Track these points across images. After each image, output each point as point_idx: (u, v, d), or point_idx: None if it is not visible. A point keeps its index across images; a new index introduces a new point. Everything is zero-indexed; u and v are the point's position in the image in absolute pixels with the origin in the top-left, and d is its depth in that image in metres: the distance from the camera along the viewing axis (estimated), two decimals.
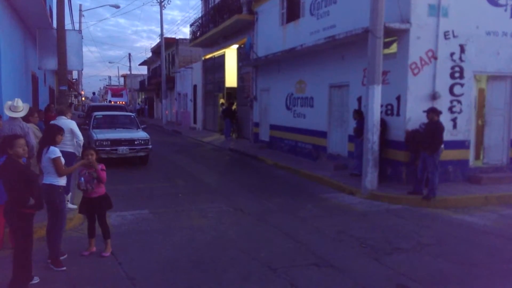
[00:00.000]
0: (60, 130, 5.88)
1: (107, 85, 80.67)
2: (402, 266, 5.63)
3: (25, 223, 4.81)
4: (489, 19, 10.43)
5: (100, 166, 5.99)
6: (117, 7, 32.36)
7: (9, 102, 7.17)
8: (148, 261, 5.76)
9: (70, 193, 8.15)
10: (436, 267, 5.65)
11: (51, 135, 5.70)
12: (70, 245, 6.17)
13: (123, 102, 44.64)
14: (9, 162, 4.77)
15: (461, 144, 10.50)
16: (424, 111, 9.40)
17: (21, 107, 7.13)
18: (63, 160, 5.62)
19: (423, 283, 5.11)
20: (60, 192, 5.60)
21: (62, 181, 5.62)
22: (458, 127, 10.43)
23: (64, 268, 5.44)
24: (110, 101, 43.75)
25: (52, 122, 8.74)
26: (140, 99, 64.89)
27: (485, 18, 10.40)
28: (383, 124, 10.29)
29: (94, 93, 60.93)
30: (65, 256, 5.76)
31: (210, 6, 26.04)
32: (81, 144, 8.23)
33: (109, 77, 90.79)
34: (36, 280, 5.00)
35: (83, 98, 64.43)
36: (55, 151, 5.51)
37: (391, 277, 5.31)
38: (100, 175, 5.93)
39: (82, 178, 5.93)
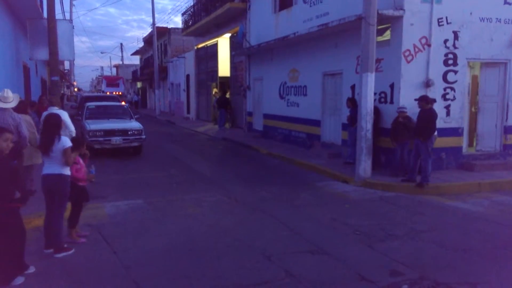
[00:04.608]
0: (60, 117, 5.95)
1: (99, 75, 79.91)
2: (396, 253, 5.66)
3: (12, 217, 4.71)
4: (482, 5, 10.40)
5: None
6: None
7: None
8: (143, 249, 5.76)
9: None
10: (429, 253, 5.68)
11: (58, 123, 5.73)
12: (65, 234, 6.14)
13: (120, 93, 43.23)
14: None
15: (455, 131, 10.54)
16: (415, 99, 9.41)
17: (11, 98, 7.05)
18: None
19: (416, 269, 5.15)
20: (68, 182, 5.68)
21: (68, 171, 5.67)
22: (451, 114, 10.45)
23: (73, 250, 5.60)
24: (105, 92, 41.40)
25: (44, 113, 8.71)
26: (134, 90, 62.63)
27: (478, 4, 10.36)
28: (377, 112, 10.30)
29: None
30: (73, 251, 5.68)
31: None
32: (73, 136, 8.20)
33: (101, 68, 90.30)
34: (32, 269, 4.98)
35: (75, 89, 63.73)
36: (68, 140, 5.60)
37: (385, 264, 5.34)
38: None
39: (94, 170, 6.16)
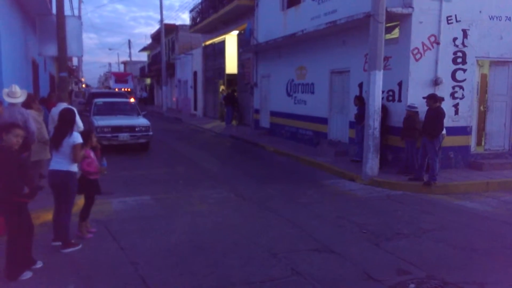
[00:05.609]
0: (75, 113, 6.01)
1: (107, 72, 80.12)
2: (402, 251, 5.65)
3: (19, 212, 4.74)
4: (492, 3, 10.31)
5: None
6: None
7: (6, 89, 7.16)
8: (150, 246, 5.79)
9: None
10: (436, 252, 5.66)
11: (73, 119, 5.77)
12: (73, 229, 6.17)
13: (129, 89, 43.00)
14: (1, 151, 4.68)
15: (463, 130, 10.48)
16: (423, 98, 9.36)
17: (19, 93, 7.12)
18: None
19: (423, 268, 5.13)
20: (76, 178, 5.73)
21: (76, 167, 5.70)
22: (460, 113, 10.39)
23: (80, 245, 5.65)
24: (114, 88, 40.38)
25: (53, 109, 8.77)
26: (142, 86, 62.15)
27: (488, 3, 10.28)
28: (384, 110, 10.26)
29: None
30: (80, 246, 5.71)
31: None
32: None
33: (109, 64, 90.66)
34: (39, 264, 5.02)
35: (83, 85, 63.97)
36: (79, 136, 5.63)
37: (392, 262, 5.33)
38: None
39: (105, 163, 6.22)
